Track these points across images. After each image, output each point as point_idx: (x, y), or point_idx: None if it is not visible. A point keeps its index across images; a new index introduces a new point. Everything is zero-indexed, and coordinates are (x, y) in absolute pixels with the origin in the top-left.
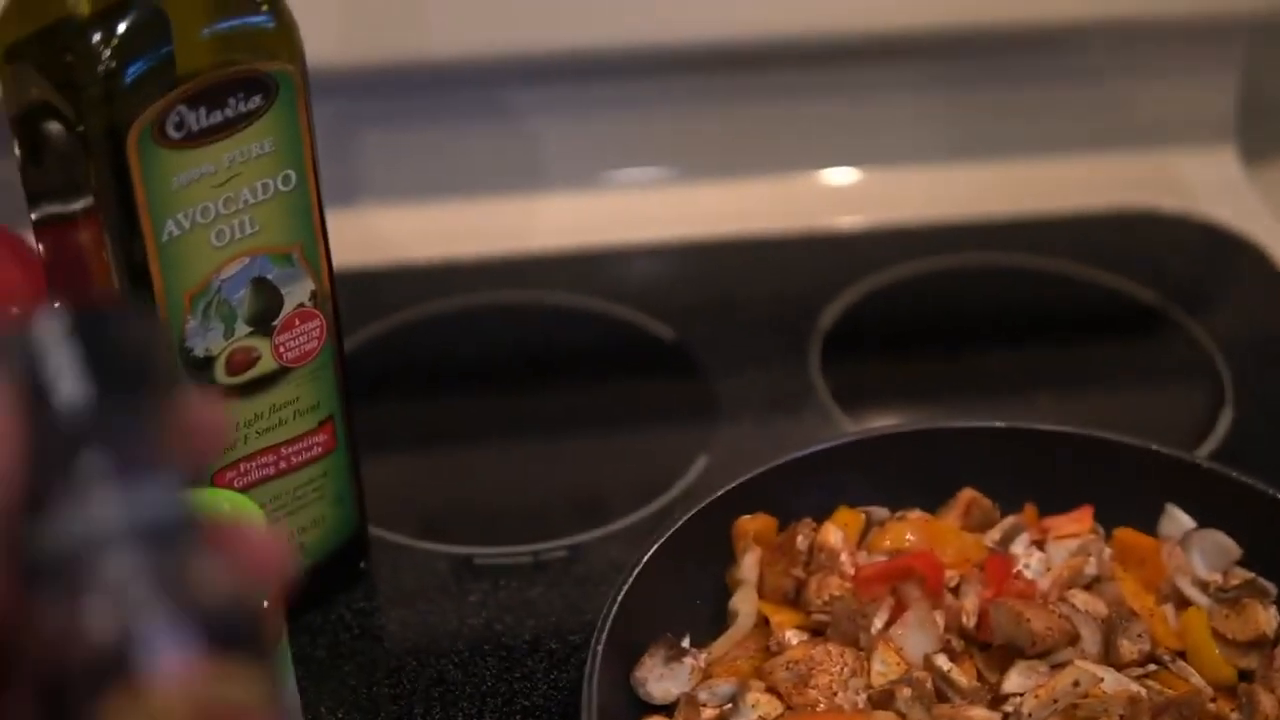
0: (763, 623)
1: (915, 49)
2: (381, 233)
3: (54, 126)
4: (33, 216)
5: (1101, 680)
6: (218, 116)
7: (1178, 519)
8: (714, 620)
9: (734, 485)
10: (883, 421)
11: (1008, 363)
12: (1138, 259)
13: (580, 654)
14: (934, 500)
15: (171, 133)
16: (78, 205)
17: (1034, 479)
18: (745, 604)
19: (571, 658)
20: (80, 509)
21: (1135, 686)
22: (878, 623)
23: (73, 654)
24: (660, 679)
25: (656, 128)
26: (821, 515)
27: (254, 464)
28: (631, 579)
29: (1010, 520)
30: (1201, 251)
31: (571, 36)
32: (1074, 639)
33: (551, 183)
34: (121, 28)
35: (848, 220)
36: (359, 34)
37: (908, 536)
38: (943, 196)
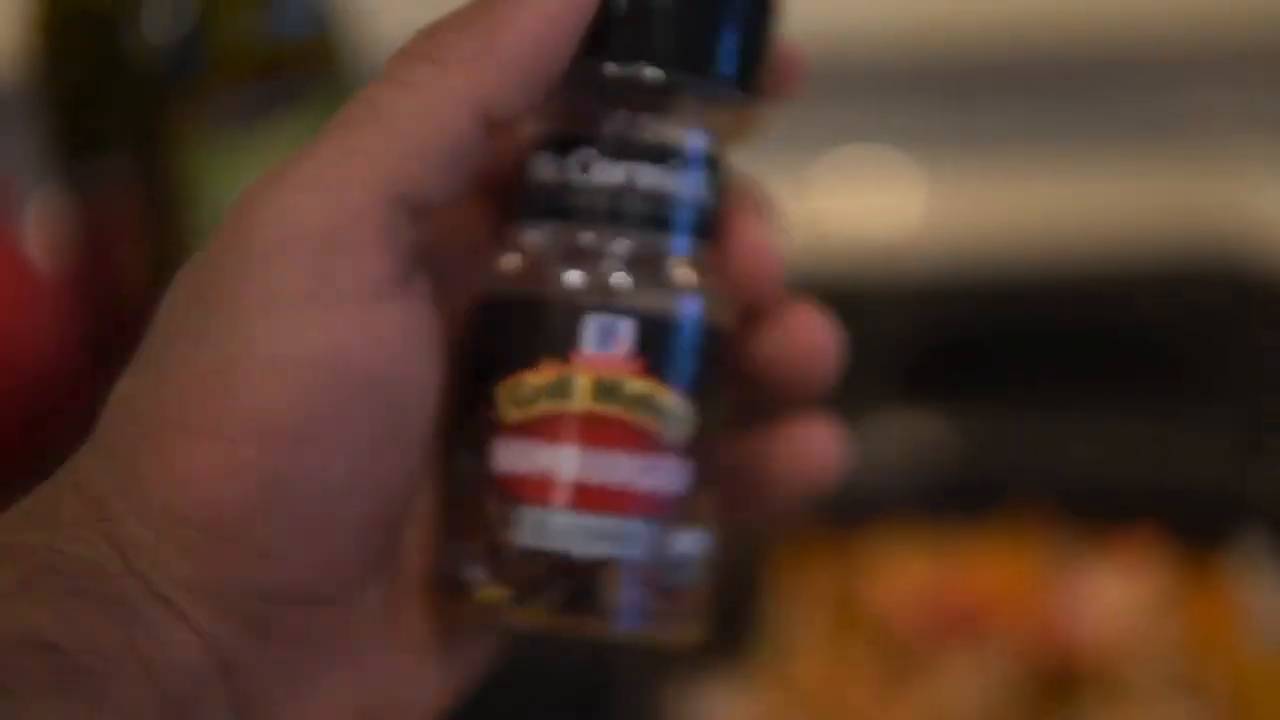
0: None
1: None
2: None
3: (94, 108)
4: (64, 199)
5: None
6: (263, 103)
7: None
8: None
9: None
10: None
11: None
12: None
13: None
14: (989, 513)
15: (216, 118)
16: (112, 189)
17: (1098, 496)
18: (807, 630)
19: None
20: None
21: None
22: (943, 660)
23: (540, 286)
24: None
25: None
26: (879, 530)
27: None
28: None
29: (1066, 543)
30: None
31: None
32: None
33: None
34: (168, 11)
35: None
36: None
37: (972, 566)
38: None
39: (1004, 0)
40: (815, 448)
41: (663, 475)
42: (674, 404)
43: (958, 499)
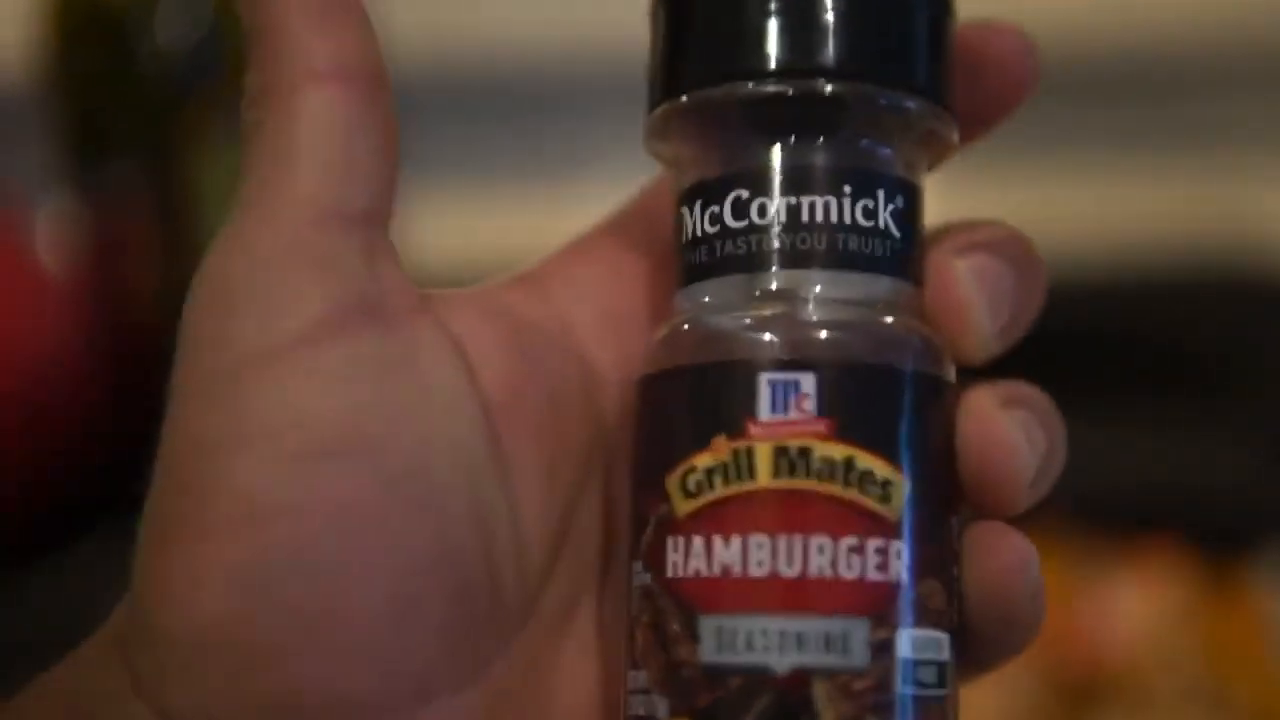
0: None
1: None
2: (428, 230)
3: (107, 114)
4: (75, 205)
5: None
6: None
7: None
8: None
9: None
10: None
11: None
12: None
13: None
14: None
15: (230, 125)
16: (124, 195)
17: (1121, 506)
18: None
19: None
20: None
21: None
22: None
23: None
24: None
25: None
26: None
27: None
28: None
29: (1089, 554)
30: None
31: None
32: None
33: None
34: (182, 17)
35: None
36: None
37: None
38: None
39: (1014, 5)
40: (1001, 559)
41: (875, 559)
42: (880, 469)
43: None
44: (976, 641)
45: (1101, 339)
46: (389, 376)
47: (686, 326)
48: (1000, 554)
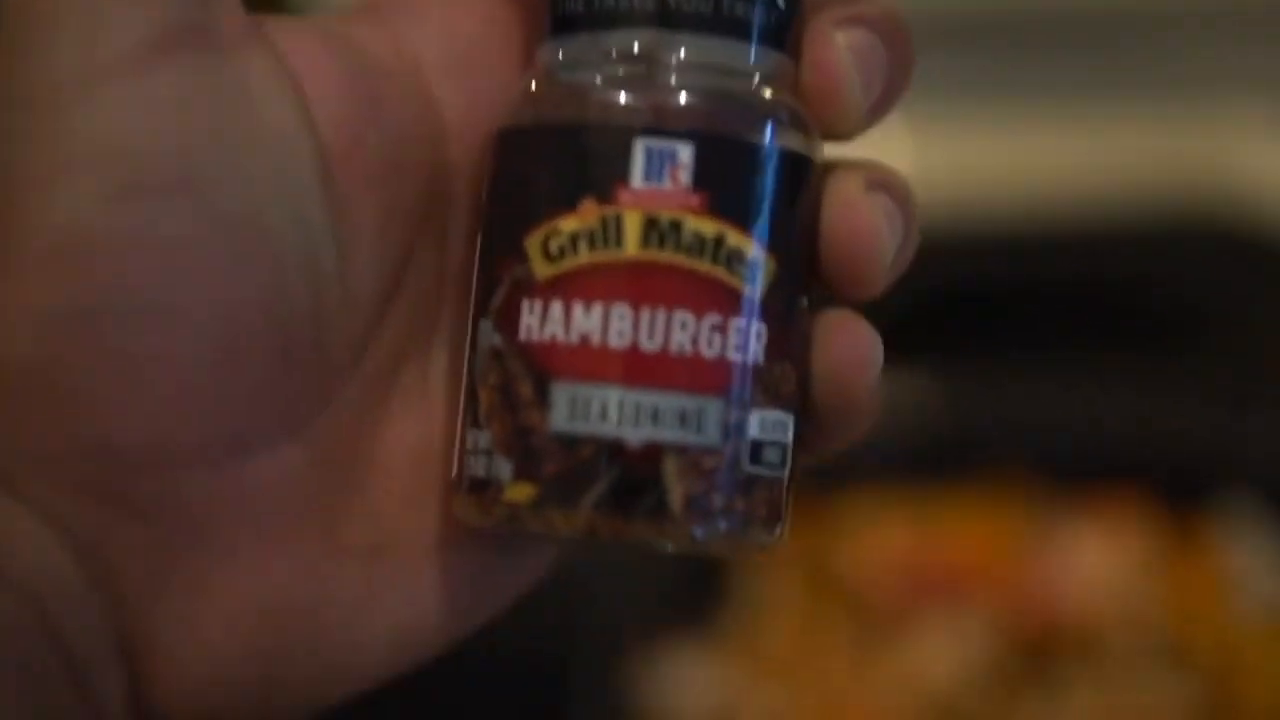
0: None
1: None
2: None
3: None
4: None
5: None
6: None
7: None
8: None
9: None
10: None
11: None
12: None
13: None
14: (971, 473)
15: None
16: None
17: (1080, 457)
18: (783, 591)
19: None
20: None
21: None
22: (922, 622)
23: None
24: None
25: None
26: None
27: None
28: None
29: (1048, 506)
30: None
31: None
32: None
33: None
34: None
35: None
36: None
37: (954, 527)
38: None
39: None
40: (848, 354)
41: (736, 340)
42: (749, 249)
43: (935, 460)
44: (814, 424)
45: (1062, 287)
46: (221, 109)
47: (557, 81)
48: (848, 344)
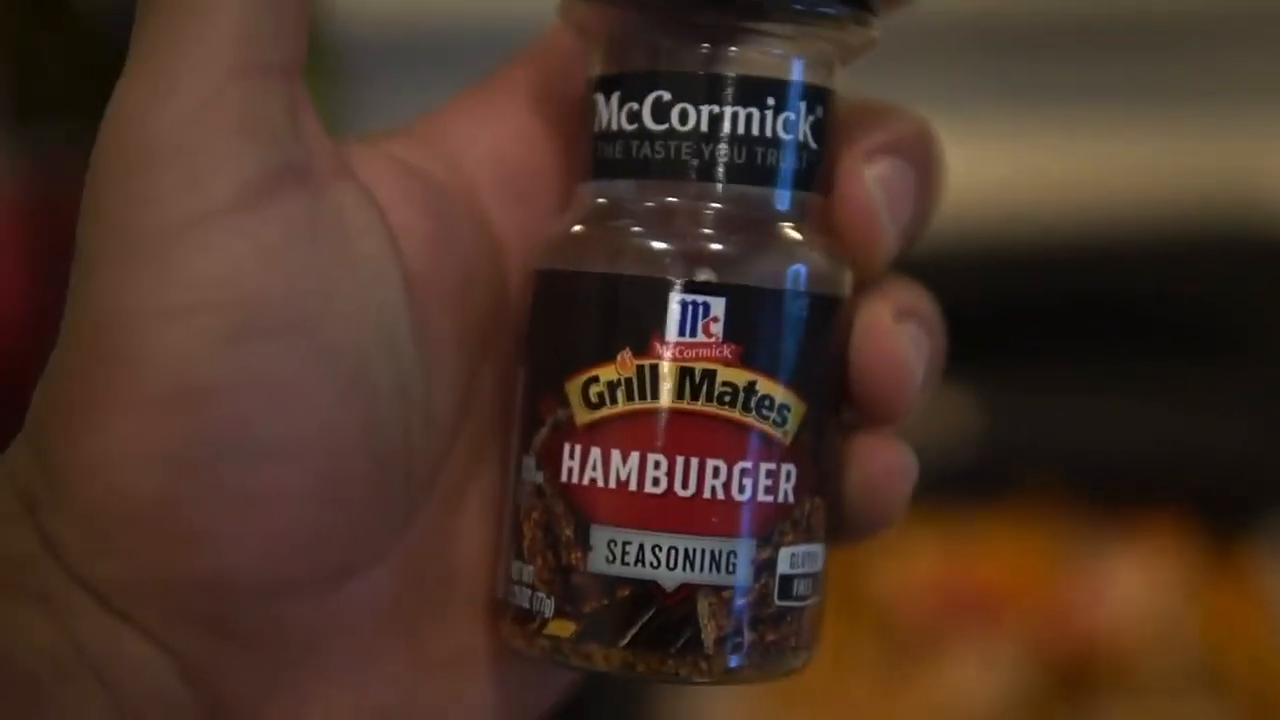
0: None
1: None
2: None
3: (46, 72)
4: (15, 168)
5: None
6: None
7: None
8: None
9: None
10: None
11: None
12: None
13: None
14: (1005, 494)
15: None
16: (66, 157)
17: (1117, 478)
18: None
19: None
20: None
21: None
22: (954, 649)
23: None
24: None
25: None
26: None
27: None
28: None
29: (1083, 528)
30: None
31: None
32: None
33: None
34: None
35: None
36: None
37: (987, 551)
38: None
39: None
40: (881, 472)
41: (766, 482)
42: (779, 394)
43: (969, 480)
44: (847, 529)
45: (1100, 302)
46: (322, 246)
47: (598, 228)
48: (882, 467)
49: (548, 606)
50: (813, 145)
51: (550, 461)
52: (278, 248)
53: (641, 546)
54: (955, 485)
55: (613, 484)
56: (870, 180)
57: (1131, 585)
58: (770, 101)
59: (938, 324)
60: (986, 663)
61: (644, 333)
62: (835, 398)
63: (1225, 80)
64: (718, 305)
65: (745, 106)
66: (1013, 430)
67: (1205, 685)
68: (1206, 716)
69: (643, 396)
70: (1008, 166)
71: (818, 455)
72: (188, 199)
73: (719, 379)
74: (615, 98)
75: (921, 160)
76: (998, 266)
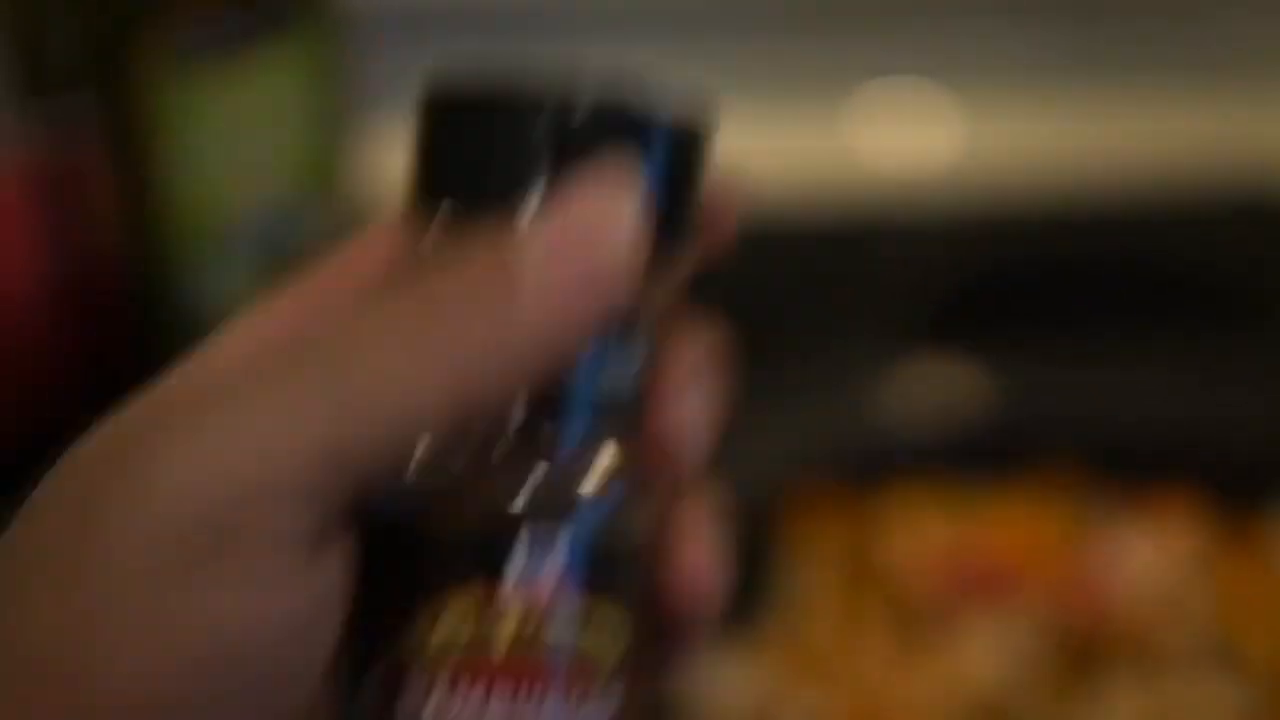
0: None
1: None
2: None
3: (57, 40)
4: (27, 138)
5: None
6: (240, 33)
7: None
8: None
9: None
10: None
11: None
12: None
13: None
14: (1024, 470)
15: (188, 49)
16: (77, 127)
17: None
18: (818, 586)
19: None
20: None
21: None
22: (962, 623)
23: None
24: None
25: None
26: (899, 484)
27: None
28: None
29: (1098, 501)
30: None
31: None
32: None
33: None
34: None
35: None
36: None
37: (997, 524)
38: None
39: None
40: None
41: (596, 708)
42: (610, 626)
43: (982, 452)
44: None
45: (1117, 273)
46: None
47: (425, 464)
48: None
49: None
50: (634, 367)
51: (389, 692)
52: (282, 617)
53: None
54: (969, 457)
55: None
56: (680, 416)
57: (1146, 559)
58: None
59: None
60: (999, 637)
61: (481, 572)
62: (654, 616)
63: (1243, 46)
64: (557, 546)
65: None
66: (1025, 402)
67: (1220, 659)
68: (1221, 690)
69: (482, 634)
70: (1024, 135)
71: (640, 667)
72: (215, 545)
73: (557, 613)
74: None
75: (721, 375)
76: (1011, 235)
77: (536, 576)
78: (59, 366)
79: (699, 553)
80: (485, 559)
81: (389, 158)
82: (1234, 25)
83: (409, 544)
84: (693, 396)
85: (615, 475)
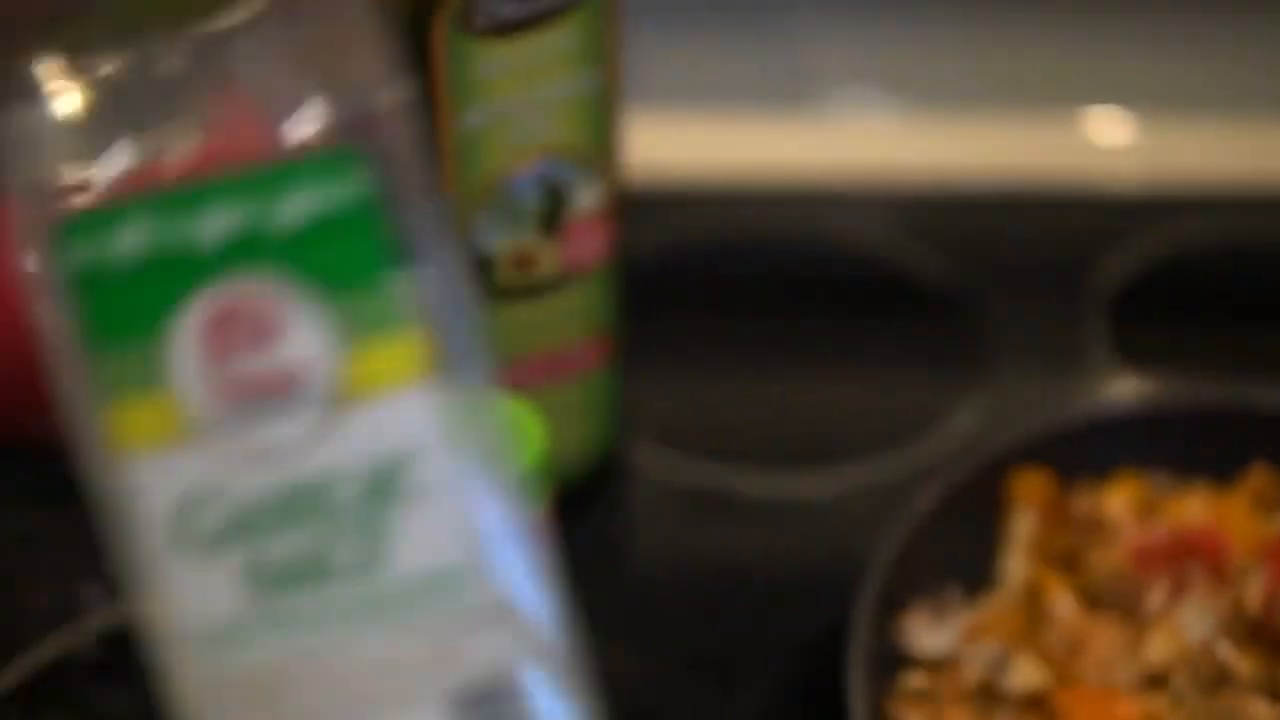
0: (1033, 587)
1: None
2: (669, 145)
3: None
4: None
5: None
6: (527, 9)
7: None
8: (980, 578)
9: (1016, 437)
10: (1166, 388)
11: None
12: None
13: (838, 597)
14: (1223, 477)
15: (479, 21)
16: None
17: None
18: (1018, 565)
19: (829, 599)
20: None
21: None
22: (1156, 600)
23: None
24: (928, 632)
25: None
26: (1101, 478)
27: (521, 370)
28: (908, 526)
29: None
30: None
31: None
32: None
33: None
34: None
35: (1121, 169)
36: None
37: (1193, 512)
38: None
39: None
40: None
41: None
42: None
43: (1200, 456)
44: None
45: None
46: None
47: None
48: None
49: None
50: None
51: None
52: None
53: None
54: (1185, 460)
55: None
56: None
57: None
58: None
59: None
60: (1181, 615)
61: None
62: None
63: None
64: None
65: None
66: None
67: None
68: None
69: None
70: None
71: None
72: None
73: None
74: None
75: None
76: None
77: None
78: None
79: None
80: None
81: (654, 142)
82: None
83: None
84: None
85: None
